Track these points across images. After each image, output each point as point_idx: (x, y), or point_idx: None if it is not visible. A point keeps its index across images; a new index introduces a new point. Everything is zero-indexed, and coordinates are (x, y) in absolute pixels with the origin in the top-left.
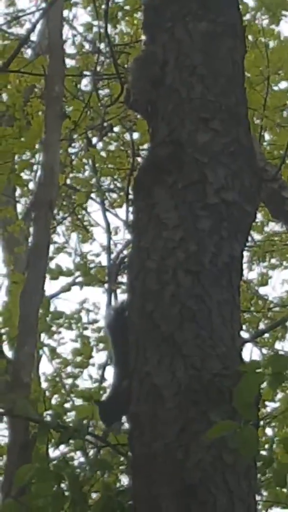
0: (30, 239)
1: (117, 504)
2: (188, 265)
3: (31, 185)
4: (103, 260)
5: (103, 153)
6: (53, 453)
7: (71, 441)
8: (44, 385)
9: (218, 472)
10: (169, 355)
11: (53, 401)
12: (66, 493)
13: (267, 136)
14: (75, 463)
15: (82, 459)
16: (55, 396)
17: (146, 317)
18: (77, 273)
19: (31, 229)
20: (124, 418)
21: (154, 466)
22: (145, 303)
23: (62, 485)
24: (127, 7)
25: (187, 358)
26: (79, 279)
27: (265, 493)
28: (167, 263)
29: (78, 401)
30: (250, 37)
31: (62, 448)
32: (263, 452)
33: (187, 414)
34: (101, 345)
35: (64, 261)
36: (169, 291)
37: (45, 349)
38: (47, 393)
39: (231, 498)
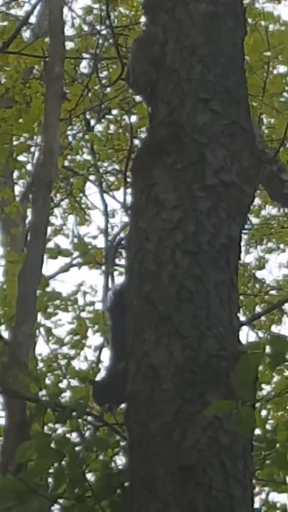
0: (27, 220)
1: (117, 483)
2: (186, 246)
3: (29, 167)
4: (101, 242)
5: (101, 136)
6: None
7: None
8: (40, 365)
9: (214, 453)
10: (166, 335)
11: (48, 382)
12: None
13: (265, 120)
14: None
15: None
16: (49, 375)
17: (143, 297)
18: (75, 254)
19: (29, 211)
20: (120, 399)
21: (150, 446)
22: (142, 284)
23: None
24: None
25: (184, 338)
26: (77, 260)
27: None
28: (165, 244)
29: (74, 382)
30: (249, 20)
31: (58, 428)
32: (261, 433)
33: (183, 394)
34: (97, 327)
35: (61, 243)
36: (167, 272)
37: (42, 330)
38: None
39: (227, 478)
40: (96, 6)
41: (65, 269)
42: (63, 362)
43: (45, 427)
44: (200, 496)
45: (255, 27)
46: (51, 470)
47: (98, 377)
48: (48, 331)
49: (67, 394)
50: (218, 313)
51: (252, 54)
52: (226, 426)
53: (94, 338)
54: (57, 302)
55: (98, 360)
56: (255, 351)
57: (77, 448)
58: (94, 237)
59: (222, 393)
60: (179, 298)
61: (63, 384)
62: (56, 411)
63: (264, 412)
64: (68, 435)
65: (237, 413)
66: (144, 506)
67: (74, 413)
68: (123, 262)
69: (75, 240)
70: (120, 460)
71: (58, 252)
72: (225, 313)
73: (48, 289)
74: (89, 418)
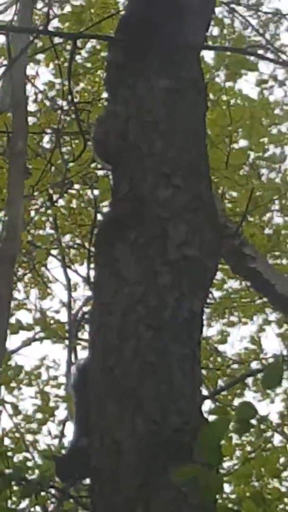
0: None
1: None
2: (149, 320)
3: None
4: (63, 316)
5: (64, 210)
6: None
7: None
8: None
9: None
10: (129, 410)
11: (15, 459)
12: None
13: (227, 195)
14: None
15: None
16: (17, 455)
17: (107, 372)
18: (37, 329)
19: None
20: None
21: None
22: (106, 359)
23: None
24: (88, 65)
25: (147, 413)
26: (40, 335)
27: None
28: (128, 318)
29: (39, 459)
30: (211, 95)
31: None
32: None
33: (147, 468)
34: (60, 402)
35: (24, 317)
36: (130, 346)
37: (7, 405)
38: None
39: None
40: (58, 81)
41: (28, 343)
42: (28, 436)
43: (9, 502)
44: None
45: (216, 102)
46: None
47: (62, 452)
48: (15, 407)
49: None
50: (181, 387)
51: (214, 128)
52: (190, 500)
53: (58, 412)
54: (21, 376)
55: (62, 434)
56: (222, 416)
57: None
58: (57, 311)
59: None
60: (142, 373)
61: (30, 462)
62: (21, 485)
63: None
64: (32, 510)
65: (205, 478)
66: None
67: (38, 487)
68: (86, 336)
69: (38, 314)
70: None
71: (19, 327)
72: (188, 387)
73: (11, 363)
74: (53, 491)
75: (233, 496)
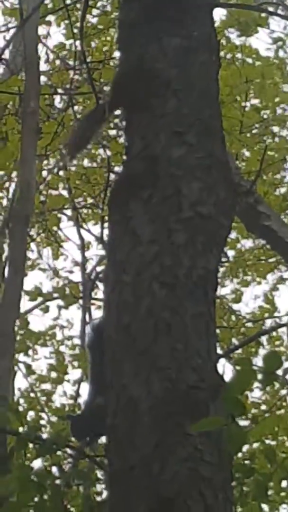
0: (4, 255)
1: None
2: (163, 278)
3: (4, 202)
4: (77, 276)
5: (76, 169)
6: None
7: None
8: (19, 401)
9: (194, 485)
10: (145, 367)
11: (28, 418)
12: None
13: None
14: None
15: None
16: (30, 413)
17: (122, 330)
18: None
19: (5, 246)
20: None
21: (130, 479)
22: (121, 317)
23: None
24: (100, 26)
25: (162, 370)
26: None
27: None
28: (142, 276)
29: (53, 418)
30: (222, 54)
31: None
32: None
33: (163, 426)
34: (76, 362)
35: (38, 277)
36: (145, 304)
37: (21, 365)
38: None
39: (208, 510)
40: (70, 42)
41: (45, 308)
42: (42, 397)
43: (26, 462)
44: None
45: (232, 60)
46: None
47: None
48: (28, 367)
49: (47, 430)
50: (196, 344)
51: (225, 88)
52: (207, 458)
53: (73, 372)
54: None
55: (77, 395)
56: (248, 367)
57: (58, 481)
58: (70, 271)
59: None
60: (157, 330)
61: (43, 421)
62: (37, 444)
63: None
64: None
65: (228, 430)
66: None
67: (54, 446)
68: (100, 296)
69: (52, 275)
70: (101, 493)
71: (38, 294)
72: (203, 345)
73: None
74: (69, 451)
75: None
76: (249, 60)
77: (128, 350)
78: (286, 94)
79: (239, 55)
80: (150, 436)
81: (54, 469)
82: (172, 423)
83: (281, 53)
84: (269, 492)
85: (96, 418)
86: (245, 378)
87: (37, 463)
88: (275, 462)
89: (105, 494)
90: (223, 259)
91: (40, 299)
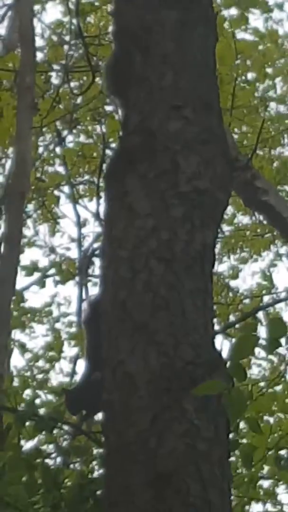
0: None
1: (89, 492)
2: (160, 253)
3: (0, 178)
4: (74, 253)
5: (72, 145)
6: (26, 445)
7: (45, 433)
8: (15, 379)
9: (191, 460)
10: (141, 343)
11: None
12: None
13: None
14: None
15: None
16: (26, 391)
17: (118, 306)
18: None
19: (1, 222)
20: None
21: (127, 454)
22: (117, 292)
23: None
24: (97, 4)
25: (159, 346)
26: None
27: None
28: (139, 251)
29: (49, 397)
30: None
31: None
32: None
33: (160, 402)
34: (72, 341)
35: (35, 254)
36: (142, 280)
37: (16, 343)
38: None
39: (205, 485)
40: (66, 19)
41: (41, 283)
42: (39, 375)
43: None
44: (178, 504)
45: (223, 34)
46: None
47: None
48: (22, 346)
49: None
50: (193, 320)
51: (221, 67)
52: (204, 433)
53: (70, 350)
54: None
55: (73, 372)
56: (250, 332)
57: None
58: (67, 249)
59: (199, 399)
60: (154, 306)
61: (39, 401)
62: (34, 421)
63: None
64: (44, 447)
65: (229, 395)
66: None
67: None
68: (97, 272)
69: (48, 252)
70: (96, 470)
71: (34, 269)
72: (200, 320)
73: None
74: (66, 428)
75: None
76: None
77: (124, 326)
78: (280, 68)
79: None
80: (146, 411)
81: (46, 448)
82: (169, 398)
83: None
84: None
85: (92, 393)
86: (247, 344)
87: (30, 444)
88: (260, 432)
89: (98, 472)
90: (220, 235)
91: (36, 275)
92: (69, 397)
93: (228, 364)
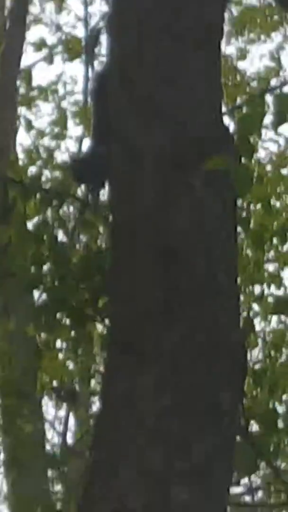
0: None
1: (96, 266)
2: (168, 28)
3: None
4: (79, 32)
5: None
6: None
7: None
8: (21, 156)
9: (198, 237)
10: (149, 117)
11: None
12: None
13: None
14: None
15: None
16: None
17: (126, 79)
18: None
19: None
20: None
21: (133, 228)
22: (124, 65)
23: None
24: None
25: (167, 120)
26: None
27: None
28: (146, 25)
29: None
30: None
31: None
32: None
33: (167, 177)
34: (77, 119)
35: (41, 32)
36: (150, 53)
37: (22, 120)
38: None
39: (211, 263)
40: None
41: (49, 59)
42: (44, 155)
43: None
44: (185, 279)
45: None
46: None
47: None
48: (29, 123)
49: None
50: (202, 96)
51: None
52: (211, 209)
53: (75, 130)
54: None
55: (79, 151)
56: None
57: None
58: (74, 27)
59: (207, 175)
60: (162, 81)
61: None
62: (40, 194)
63: None
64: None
65: (237, 170)
66: (126, 286)
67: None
68: (103, 52)
69: (54, 29)
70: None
71: (41, 45)
72: (209, 97)
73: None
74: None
75: None
76: None
77: (132, 99)
78: None
79: None
80: (153, 187)
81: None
82: (177, 174)
83: None
84: None
85: (97, 165)
86: (254, 119)
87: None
88: (270, 210)
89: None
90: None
91: (44, 51)
92: (75, 165)
93: (235, 140)
